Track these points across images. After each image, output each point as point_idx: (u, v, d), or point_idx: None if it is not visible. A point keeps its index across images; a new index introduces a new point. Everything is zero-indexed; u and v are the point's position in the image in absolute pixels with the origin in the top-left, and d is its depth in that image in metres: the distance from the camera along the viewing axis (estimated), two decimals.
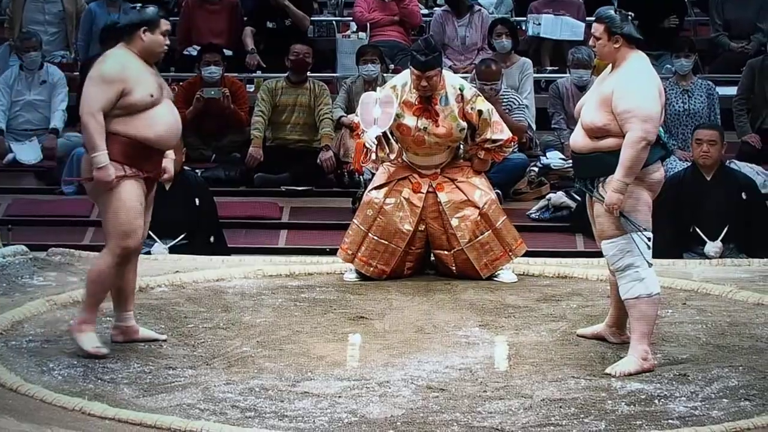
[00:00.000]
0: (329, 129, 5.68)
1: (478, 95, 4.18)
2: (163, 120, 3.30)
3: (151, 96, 3.28)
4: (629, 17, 3.28)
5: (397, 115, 4.09)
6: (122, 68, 3.28)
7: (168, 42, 3.35)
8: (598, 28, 3.30)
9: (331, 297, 3.97)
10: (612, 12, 3.32)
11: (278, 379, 3.23)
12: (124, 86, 3.25)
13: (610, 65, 3.35)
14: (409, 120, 4.10)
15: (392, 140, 4.13)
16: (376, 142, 4.07)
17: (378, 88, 4.24)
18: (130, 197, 3.27)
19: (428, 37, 4.31)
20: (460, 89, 4.13)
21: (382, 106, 4.05)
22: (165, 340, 3.45)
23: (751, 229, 4.77)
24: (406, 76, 4.15)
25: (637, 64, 3.29)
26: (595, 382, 3.23)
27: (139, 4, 3.37)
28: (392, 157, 4.15)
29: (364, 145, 4.07)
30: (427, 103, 4.10)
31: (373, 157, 4.10)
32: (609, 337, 3.52)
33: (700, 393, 3.15)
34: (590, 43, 3.39)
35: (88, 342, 3.32)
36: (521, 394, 3.14)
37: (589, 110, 3.33)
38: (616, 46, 3.28)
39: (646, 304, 3.31)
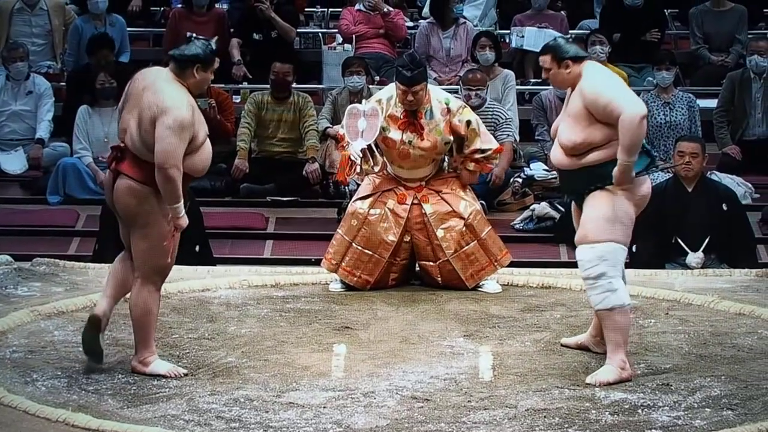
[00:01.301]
0: (314, 141, 5.69)
1: (465, 106, 4.20)
2: (208, 153, 3.28)
3: (207, 134, 3.27)
4: (569, 39, 3.35)
5: (383, 129, 4.10)
6: (192, 111, 3.22)
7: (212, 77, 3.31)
8: (545, 60, 3.37)
9: (316, 307, 3.98)
10: (553, 42, 3.40)
11: (263, 390, 3.23)
12: (194, 129, 3.22)
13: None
14: (395, 134, 4.12)
15: (377, 153, 4.15)
16: (361, 155, 4.08)
17: (364, 101, 4.26)
18: (176, 240, 3.25)
19: (413, 52, 4.33)
20: (445, 103, 4.15)
21: (367, 119, 4.07)
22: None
23: (731, 239, 4.81)
24: (391, 89, 4.17)
25: (592, 71, 3.35)
26: (579, 391, 3.25)
27: (192, 34, 3.32)
28: (377, 169, 4.16)
29: (349, 157, 4.09)
30: (412, 117, 4.11)
31: (358, 169, 4.12)
32: (592, 346, 3.54)
33: (683, 402, 3.18)
34: (543, 75, 3.44)
35: (161, 368, 3.29)
36: (506, 404, 3.15)
37: (565, 130, 3.36)
38: (567, 71, 3.34)
39: (619, 314, 3.33)
